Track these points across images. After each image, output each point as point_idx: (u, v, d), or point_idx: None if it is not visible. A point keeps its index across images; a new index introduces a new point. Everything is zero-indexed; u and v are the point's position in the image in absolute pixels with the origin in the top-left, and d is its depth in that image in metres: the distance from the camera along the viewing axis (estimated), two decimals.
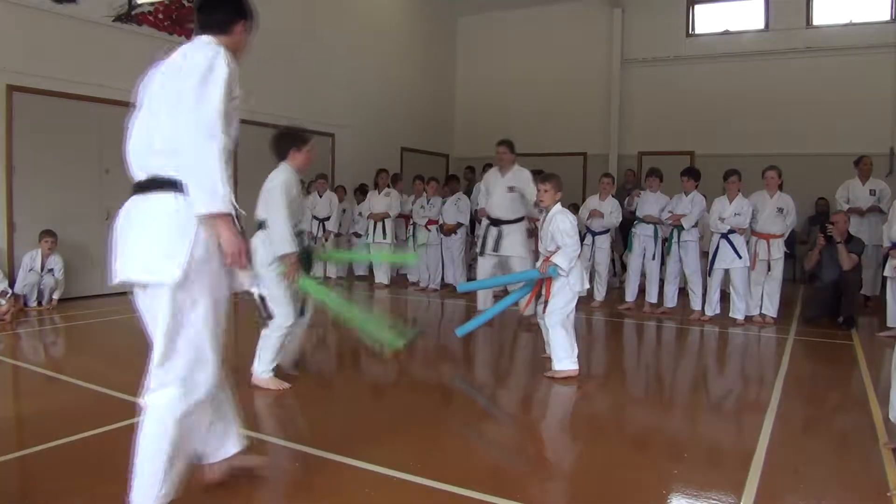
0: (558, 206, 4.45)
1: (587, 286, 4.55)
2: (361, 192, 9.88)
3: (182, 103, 1.95)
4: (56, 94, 6.84)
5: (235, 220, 2.10)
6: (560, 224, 4.32)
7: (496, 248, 6.14)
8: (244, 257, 2.07)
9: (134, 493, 2.00)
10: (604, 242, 7.56)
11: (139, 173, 2.09)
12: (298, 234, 3.80)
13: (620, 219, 7.61)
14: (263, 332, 3.88)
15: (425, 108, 12.82)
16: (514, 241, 6.13)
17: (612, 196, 7.64)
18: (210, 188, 1.95)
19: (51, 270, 6.72)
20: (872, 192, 7.69)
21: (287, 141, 4.00)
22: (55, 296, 6.77)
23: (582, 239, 7.73)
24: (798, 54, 10.52)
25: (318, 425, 3.52)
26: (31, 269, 6.61)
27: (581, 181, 12.10)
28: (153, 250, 2.00)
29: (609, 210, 7.45)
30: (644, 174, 7.89)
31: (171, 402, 2.04)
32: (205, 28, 2.27)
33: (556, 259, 4.30)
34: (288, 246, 3.62)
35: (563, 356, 4.31)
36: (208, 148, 1.94)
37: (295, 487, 2.61)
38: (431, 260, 8.61)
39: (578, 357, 4.37)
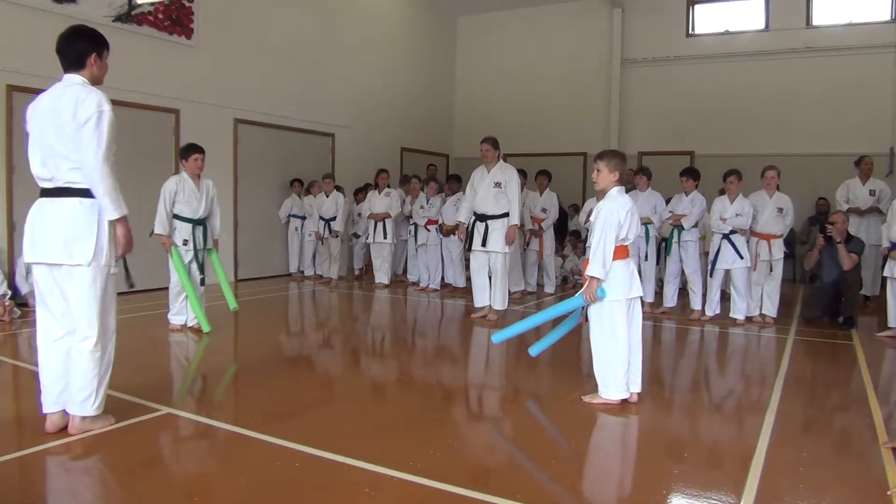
0: (614, 189, 3.66)
1: (635, 293, 3.68)
2: (361, 192, 9.90)
3: (85, 142, 2.77)
4: None
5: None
6: (599, 211, 3.59)
7: (484, 243, 6.29)
8: (129, 246, 3.01)
9: (77, 405, 2.98)
10: None
11: (47, 184, 2.90)
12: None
13: None
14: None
15: (425, 107, 12.83)
16: (498, 238, 6.27)
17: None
18: (115, 201, 2.85)
19: None
20: (872, 193, 7.70)
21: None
22: None
23: (584, 241, 7.78)
24: (798, 54, 10.53)
25: (318, 425, 3.52)
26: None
27: (581, 181, 12.10)
28: (69, 238, 2.85)
29: None
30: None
31: (94, 348, 2.97)
32: (68, 68, 2.94)
33: (588, 271, 3.58)
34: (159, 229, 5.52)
35: (603, 381, 3.69)
36: (108, 174, 2.82)
37: (295, 487, 2.61)
38: (431, 260, 8.62)
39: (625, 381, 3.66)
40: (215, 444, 3.13)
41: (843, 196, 7.87)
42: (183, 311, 5.69)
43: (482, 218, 6.32)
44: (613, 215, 3.55)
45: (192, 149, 5.52)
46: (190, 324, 5.70)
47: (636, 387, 3.75)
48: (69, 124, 2.75)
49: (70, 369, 2.93)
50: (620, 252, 3.62)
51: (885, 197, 7.65)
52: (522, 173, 8.36)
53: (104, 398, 3.06)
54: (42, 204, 2.91)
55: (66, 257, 2.84)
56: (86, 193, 2.83)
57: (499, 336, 4.25)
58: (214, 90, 8.49)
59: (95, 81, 2.96)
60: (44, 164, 2.86)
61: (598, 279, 3.54)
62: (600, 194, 3.82)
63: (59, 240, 2.84)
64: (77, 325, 2.92)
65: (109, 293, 2.99)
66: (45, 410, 3.02)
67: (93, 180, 2.77)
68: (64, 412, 3.04)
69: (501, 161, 6.48)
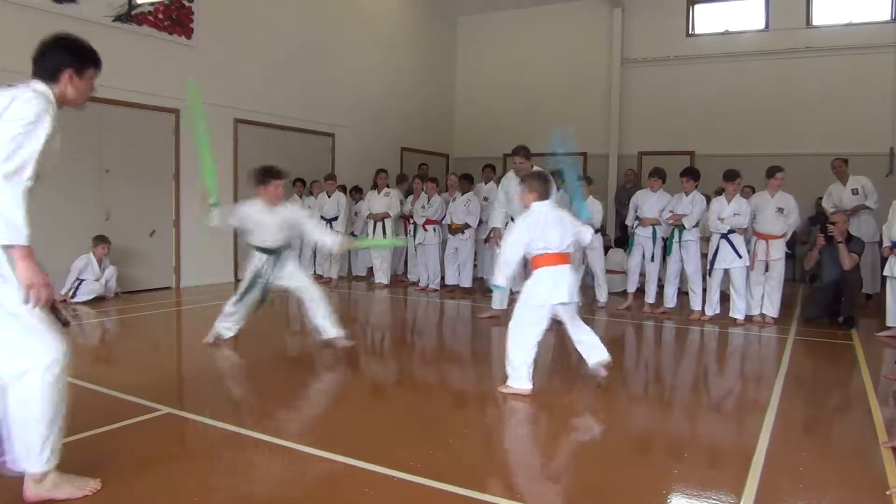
0: (534, 205, 4.02)
1: (557, 299, 3.92)
2: (357, 191, 9.92)
3: (1, 145, 2.15)
4: None
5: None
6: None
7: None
8: (42, 290, 2.21)
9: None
10: (594, 242, 7.57)
11: None
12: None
13: (601, 218, 7.62)
14: None
15: (425, 108, 12.82)
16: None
17: (592, 197, 7.70)
18: (14, 222, 2.14)
19: (107, 280, 7.06)
20: (855, 192, 7.69)
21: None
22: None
23: None
24: (798, 54, 10.53)
25: (318, 425, 3.53)
26: (93, 279, 6.92)
27: (581, 182, 12.08)
28: None
29: (590, 211, 7.50)
30: (645, 174, 7.89)
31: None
32: (36, 74, 2.48)
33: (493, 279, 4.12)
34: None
35: (511, 373, 3.94)
36: (14, 190, 2.15)
37: (295, 487, 2.61)
38: (430, 260, 8.62)
39: (532, 378, 3.93)
40: (215, 443, 3.13)
41: (829, 202, 7.89)
42: (233, 329, 5.07)
43: None
44: (520, 233, 3.94)
45: (272, 174, 4.75)
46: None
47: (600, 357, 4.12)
48: None
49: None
50: (544, 260, 3.92)
51: (870, 192, 7.64)
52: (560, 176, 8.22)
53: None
54: None
55: None
56: None
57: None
58: (214, 90, 8.47)
59: (66, 102, 2.51)
60: None
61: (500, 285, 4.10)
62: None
63: None
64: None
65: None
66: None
67: None
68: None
69: (534, 167, 6.31)
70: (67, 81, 2.49)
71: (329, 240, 4.85)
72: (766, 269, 6.44)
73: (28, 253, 2.18)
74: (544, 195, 4.04)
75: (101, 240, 6.97)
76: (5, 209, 2.12)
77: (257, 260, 4.85)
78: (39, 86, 2.42)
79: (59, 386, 2.32)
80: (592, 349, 4.15)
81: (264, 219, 4.77)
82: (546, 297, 3.87)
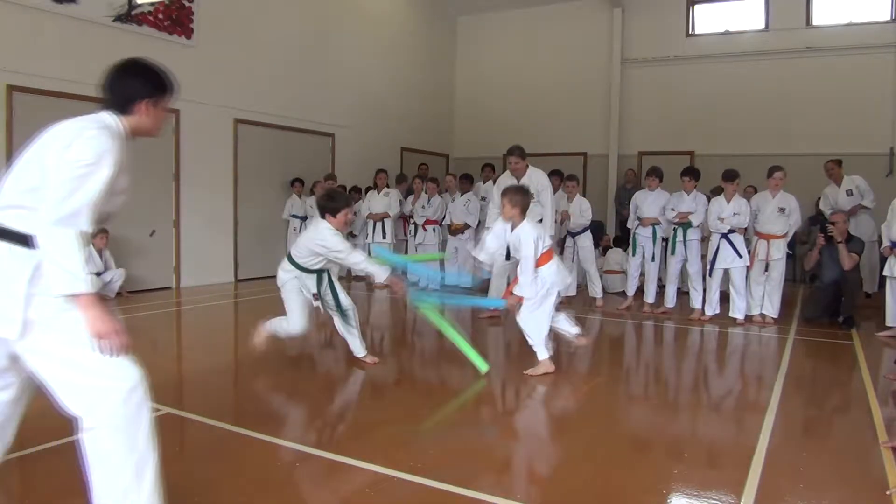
0: (524, 224, 4.36)
1: (564, 283, 4.56)
2: (357, 191, 9.91)
3: (55, 187, 1.95)
4: (56, 94, 6.84)
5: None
6: (523, 242, 4.31)
7: (507, 255, 6.15)
8: (115, 338, 1.96)
9: None
10: (584, 241, 7.64)
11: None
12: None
13: (590, 216, 7.66)
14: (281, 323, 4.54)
15: (425, 108, 12.82)
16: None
17: (581, 195, 7.80)
18: (71, 271, 1.91)
19: (114, 281, 7.10)
20: (849, 193, 7.69)
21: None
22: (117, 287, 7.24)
23: (563, 241, 7.80)
24: (798, 54, 10.52)
25: (319, 425, 3.52)
26: (94, 271, 6.89)
27: (581, 181, 12.09)
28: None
29: (577, 210, 7.57)
30: (644, 174, 7.90)
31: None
32: (106, 104, 2.21)
33: (516, 291, 4.37)
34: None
35: (540, 357, 4.39)
36: (69, 236, 1.93)
37: (295, 487, 2.61)
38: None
39: (552, 357, 4.42)
40: (215, 443, 3.13)
41: (826, 205, 7.90)
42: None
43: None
44: (534, 247, 4.26)
45: (344, 202, 4.51)
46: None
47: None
48: (50, 155, 2.01)
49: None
50: (546, 257, 4.38)
51: (865, 191, 7.64)
52: (559, 175, 8.17)
53: None
54: None
55: None
56: (20, 239, 1.97)
57: (419, 300, 4.88)
58: (214, 90, 8.48)
59: (141, 133, 2.25)
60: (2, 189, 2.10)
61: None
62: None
63: None
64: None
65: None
66: None
67: (43, 235, 1.92)
68: None
69: (531, 168, 6.30)
70: (143, 113, 2.22)
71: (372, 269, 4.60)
72: (766, 269, 6.44)
73: (92, 302, 1.94)
74: (524, 210, 4.38)
75: (98, 230, 6.99)
76: (59, 257, 1.90)
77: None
78: (109, 118, 2.17)
79: (140, 424, 2.03)
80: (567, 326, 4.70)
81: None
82: (553, 287, 4.38)
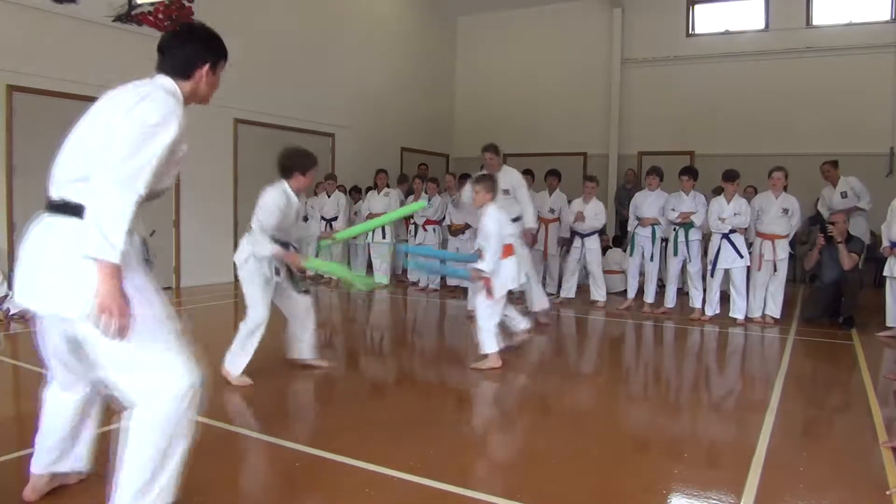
0: (491, 206, 4.62)
1: (517, 284, 4.79)
2: (357, 191, 9.92)
3: (117, 146, 1.87)
4: (56, 94, 6.84)
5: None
6: (487, 223, 4.54)
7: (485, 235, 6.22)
8: (119, 314, 1.85)
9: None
10: (592, 243, 7.58)
11: (57, 192, 1.99)
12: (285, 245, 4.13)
13: (604, 221, 7.65)
14: (240, 327, 4.20)
15: (425, 108, 12.82)
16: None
17: (598, 199, 7.70)
18: (110, 236, 1.82)
19: None
20: (844, 195, 7.69)
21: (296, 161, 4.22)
22: None
23: (570, 241, 7.81)
24: (798, 54, 10.53)
25: (319, 425, 3.53)
26: None
27: (581, 181, 12.08)
28: (61, 277, 1.93)
29: (593, 213, 7.49)
30: (644, 173, 7.90)
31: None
32: (163, 68, 2.16)
33: (480, 265, 4.50)
34: (267, 249, 4.00)
35: (488, 350, 4.53)
36: (123, 199, 1.85)
37: (295, 487, 2.61)
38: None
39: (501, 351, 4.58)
40: (215, 443, 3.13)
41: (822, 207, 7.91)
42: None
43: None
44: (497, 226, 4.49)
45: (311, 160, 4.45)
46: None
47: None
48: (114, 117, 1.93)
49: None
50: (508, 251, 4.61)
51: (861, 192, 7.63)
52: (530, 174, 8.40)
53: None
54: (38, 224, 2.03)
55: (54, 305, 1.96)
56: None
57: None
58: None
59: (196, 99, 2.26)
60: (62, 163, 2.02)
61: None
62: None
63: (48, 278, 1.94)
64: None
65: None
66: (34, 470, 2.39)
67: (95, 196, 1.85)
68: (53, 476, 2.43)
69: (505, 166, 6.38)
70: (202, 78, 2.20)
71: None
72: (775, 270, 6.45)
73: (114, 273, 1.84)
74: (494, 195, 4.68)
75: None
76: (106, 219, 1.82)
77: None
78: (167, 82, 2.13)
79: (184, 420, 2.06)
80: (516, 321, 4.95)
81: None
82: (512, 282, 4.65)
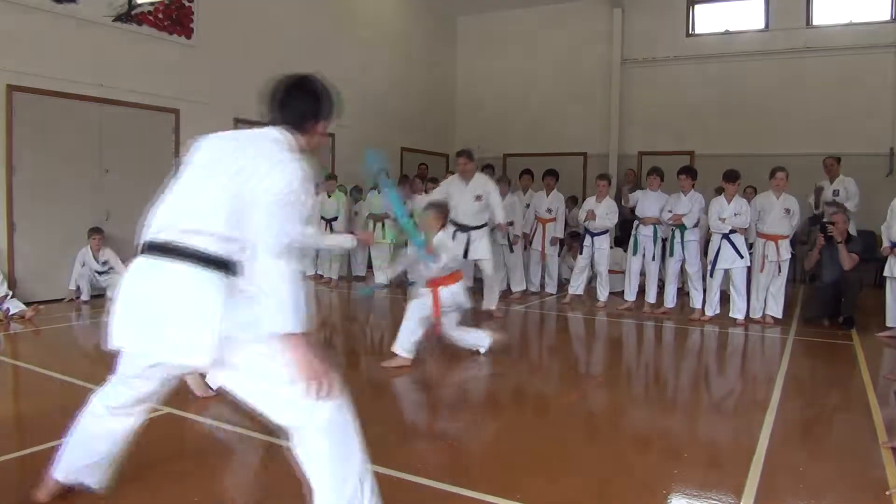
0: (442, 233, 4.77)
1: (467, 306, 4.90)
2: (357, 191, 9.92)
3: (268, 217, 1.88)
4: (56, 94, 6.84)
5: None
6: (442, 237, 4.74)
7: (465, 253, 6.47)
8: (326, 380, 1.90)
9: None
10: (602, 243, 7.58)
11: (165, 235, 1.94)
12: None
13: (616, 220, 7.65)
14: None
15: (425, 108, 12.82)
16: (482, 245, 6.57)
17: (611, 198, 7.69)
18: (289, 308, 1.86)
19: (109, 269, 7.04)
20: (836, 193, 7.72)
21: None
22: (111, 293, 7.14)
23: (581, 240, 7.82)
24: (798, 54, 10.52)
25: None
26: (83, 265, 7.01)
27: (581, 181, 12.10)
28: (181, 324, 1.89)
29: (605, 212, 7.49)
30: (645, 173, 7.91)
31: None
32: (277, 119, 2.10)
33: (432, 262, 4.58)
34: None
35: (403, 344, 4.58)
36: (289, 269, 1.88)
37: (295, 487, 2.61)
38: None
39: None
40: (216, 443, 3.13)
41: (812, 197, 7.94)
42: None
43: (464, 228, 6.50)
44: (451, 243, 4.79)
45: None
46: None
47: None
48: (245, 182, 1.90)
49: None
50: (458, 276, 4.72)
51: (852, 195, 7.66)
52: (530, 174, 8.58)
53: None
54: (149, 267, 1.95)
55: (178, 354, 1.92)
56: (210, 263, 1.89)
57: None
58: (214, 90, 8.47)
59: (307, 151, 2.15)
60: (171, 210, 2.00)
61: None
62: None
63: (167, 325, 1.90)
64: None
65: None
66: (56, 476, 2.33)
67: (264, 274, 1.87)
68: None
69: (478, 173, 6.73)
70: (317, 132, 2.17)
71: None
72: (780, 271, 6.46)
73: (302, 342, 1.88)
74: (444, 223, 4.84)
75: (94, 231, 7.01)
76: (282, 293, 1.84)
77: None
78: (285, 136, 2.07)
79: (352, 428, 2.01)
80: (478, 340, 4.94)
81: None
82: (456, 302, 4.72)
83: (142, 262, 1.96)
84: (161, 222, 1.98)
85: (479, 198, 6.53)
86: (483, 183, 6.64)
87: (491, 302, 6.66)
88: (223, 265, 1.90)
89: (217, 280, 1.88)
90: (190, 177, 2.02)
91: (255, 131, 2.07)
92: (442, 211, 4.88)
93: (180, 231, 1.92)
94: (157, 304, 1.90)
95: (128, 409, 2.28)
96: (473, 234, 6.53)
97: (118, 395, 2.26)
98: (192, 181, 2.01)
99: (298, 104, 2.11)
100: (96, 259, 7.00)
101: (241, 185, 1.90)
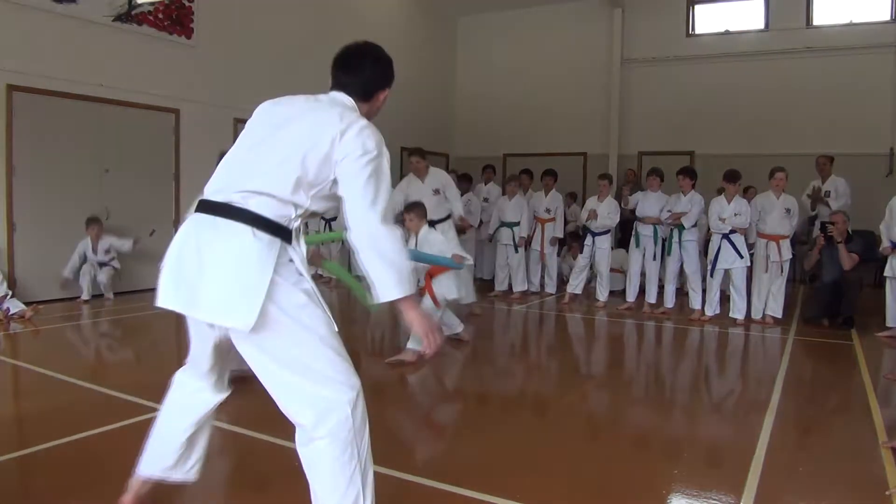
0: (424, 228, 5.08)
1: (458, 295, 5.08)
2: None
3: (359, 185, 1.87)
4: (56, 94, 6.84)
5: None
6: (434, 240, 5.02)
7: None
8: (436, 334, 1.98)
9: None
10: (603, 243, 7.59)
11: (223, 196, 1.86)
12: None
13: (617, 220, 7.65)
14: None
15: (425, 108, 12.82)
16: (449, 238, 6.50)
17: (612, 197, 7.69)
18: (400, 275, 1.89)
19: (111, 259, 7.13)
20: (827, 195, 7.73)
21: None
22: (109, 294, 7.25)
23: (582, 239, 7.83)
24: (798, 54, 10.52)
25: None
26: (85, 260, 7.02)
27: (581, 181, 12.10)
28: (230, 287, 1.82)
29: (606, 212, 7.49)
30: (645, 174, 7.92)
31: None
32: (344, 87, 2.06)
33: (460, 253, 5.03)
34: None
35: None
36: (392, 233, 1.90)
37: (295, 487, 2.61)
38: None
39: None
40: (216, 443, 3.12)
41: (807, 202, 7.95)
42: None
43: (430, 224, 6.51)
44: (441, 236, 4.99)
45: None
46: None
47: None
48: (325, 143, 1.86)
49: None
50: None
51: (842, 195, 7.67)
52: (529, 174, 8.58)
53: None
54: (201, 225, 1.87)
55: (219, 314, 1.83)
56: (266, 225, 1.83)
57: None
58: (214, 90, 8.48)
59: (367, 119, 2.06)
60: (234, 170, 1.93)
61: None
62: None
63: (215, 285, 1.81)
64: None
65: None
66: (143, 473, 2.25)
67: (371, 243, 1.88)
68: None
69: (432, 168, 6.88)
70: (380, 101, 2.16)
71: None
72: (782, 271, 6.46)
73: (415, 302, 1.96)
74: (425, 221, 5.12)
75: (91, 221, 7.04)
76: (396, 257, 1.88)
77: None
78: (348, 100, 2.04)
79: (367, 427, 2.00)
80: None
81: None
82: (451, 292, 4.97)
83: (195, 218, 1.89)
84: (219, 184, 1.91)
85: (436, 191, 6.64)
86: (439, 177, 6.80)
87: (464, 292, 6.67)
88: (278, 230, 1.84)
89: (270, 244, 1.81)
90: (252, 138, 1.97)
91: (325, 95, 2.04)
92: (422, 210, 5.12)
93: (239, 192, 1.85)
94: (204, 260, 1.82)
95: (198, 380, 2.18)
96: (437, 227, 6.49)
97: (188, 367, 2.21)
98: (255, 143, 1.95)
99: (368, 71, 2.08)
100: (96, 250, 7.02)
101: (310, 148, 1.86)
